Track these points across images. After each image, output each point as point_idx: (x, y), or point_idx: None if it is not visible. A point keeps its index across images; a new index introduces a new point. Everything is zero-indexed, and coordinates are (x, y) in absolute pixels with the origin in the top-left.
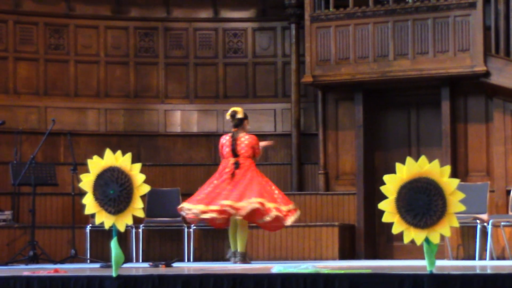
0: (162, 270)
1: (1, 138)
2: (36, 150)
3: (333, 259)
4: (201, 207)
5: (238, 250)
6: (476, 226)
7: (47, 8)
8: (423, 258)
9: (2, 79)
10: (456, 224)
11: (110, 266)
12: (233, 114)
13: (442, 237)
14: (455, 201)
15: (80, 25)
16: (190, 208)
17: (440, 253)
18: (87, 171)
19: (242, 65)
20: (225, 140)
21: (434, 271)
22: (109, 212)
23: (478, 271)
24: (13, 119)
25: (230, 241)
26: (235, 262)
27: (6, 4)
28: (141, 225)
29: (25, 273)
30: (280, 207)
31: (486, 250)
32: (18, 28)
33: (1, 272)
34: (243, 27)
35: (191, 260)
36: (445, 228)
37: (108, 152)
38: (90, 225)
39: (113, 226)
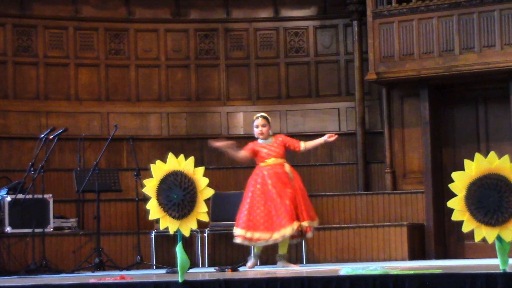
0: (228, 274)
1: (64, 145)
2: (99, 156)
3: (403, 259)
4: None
5: (280, 253)
6: None
7: (107, 13)
8: (495, 257)
9: (64, 86)
10: None
11: (176, 272)
12: None
13: None
14: None
15: (140, 29)
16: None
17: None
18: (150, 176)
19: (304, 64)
20: None
21: (508, 270)
22: (173, 217)
23: None
24: (75, 126)
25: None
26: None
27: (66, 11)
28: (206, 230)
29: (92, 281)
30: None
31: None
32: (78, 35)
33: (68, 280)
34: (304, 26)
35: (258, 263)
36: None
37: (171, 156)
38: (155, 230)
39: (177, 231)
